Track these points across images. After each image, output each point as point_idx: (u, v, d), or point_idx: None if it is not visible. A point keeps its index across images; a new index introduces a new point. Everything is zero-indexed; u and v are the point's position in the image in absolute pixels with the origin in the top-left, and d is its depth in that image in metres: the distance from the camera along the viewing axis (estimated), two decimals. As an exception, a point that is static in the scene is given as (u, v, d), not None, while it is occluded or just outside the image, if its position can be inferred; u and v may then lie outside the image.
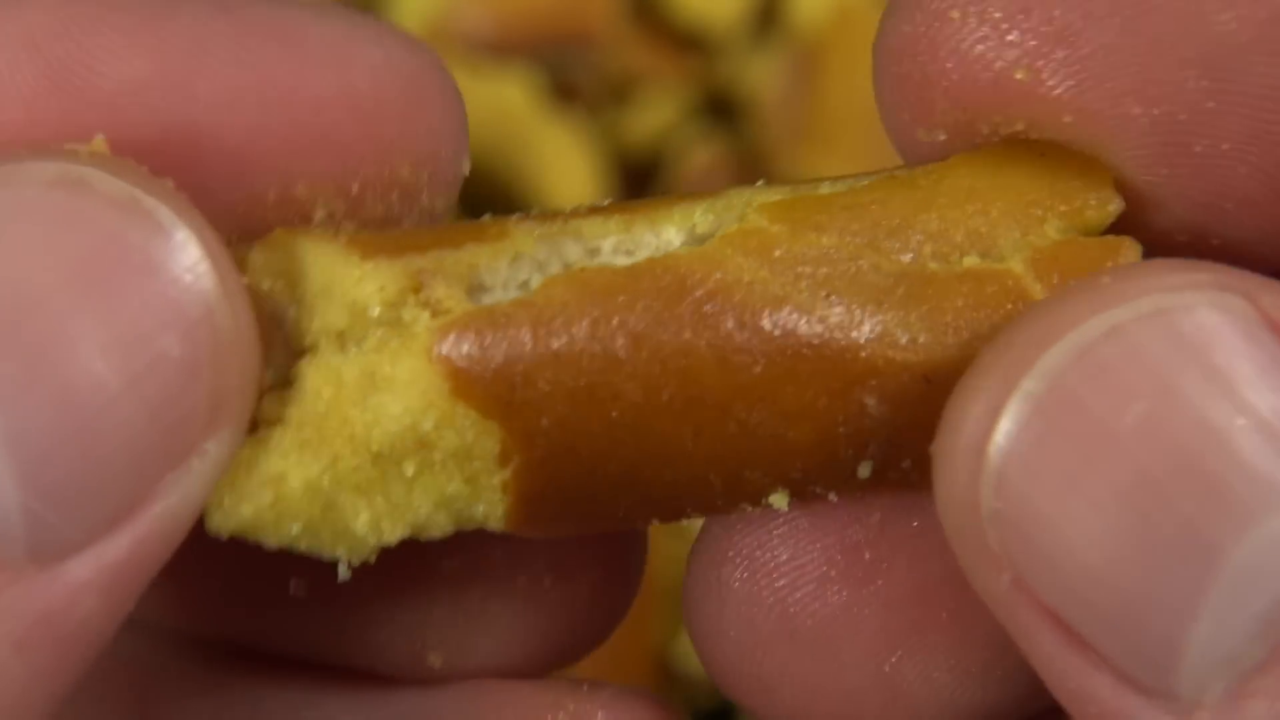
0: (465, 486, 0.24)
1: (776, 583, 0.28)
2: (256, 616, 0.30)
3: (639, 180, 0.78)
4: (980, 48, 0.26)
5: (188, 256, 0.22)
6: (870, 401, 0.24)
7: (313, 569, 0.25)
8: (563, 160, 0.74)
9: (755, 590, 0.28)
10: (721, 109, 0.80)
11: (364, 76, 0.25)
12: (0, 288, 0.22)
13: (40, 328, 0.22)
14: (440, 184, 0.26)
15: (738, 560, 0.28)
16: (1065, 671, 0.23)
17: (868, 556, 0.28)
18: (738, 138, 0.79)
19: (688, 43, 0.80)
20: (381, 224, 0.26)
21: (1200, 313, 0.22)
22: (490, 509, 0.24)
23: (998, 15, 0.25)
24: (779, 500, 0.25)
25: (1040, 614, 0.23)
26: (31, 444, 0.22)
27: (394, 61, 0.26)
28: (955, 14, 0.26)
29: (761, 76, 0.78)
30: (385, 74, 0.25)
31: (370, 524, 0.24)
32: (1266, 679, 0.22)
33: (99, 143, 0.24)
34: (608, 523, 0.26)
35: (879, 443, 0.25)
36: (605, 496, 0.25)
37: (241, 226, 0.25)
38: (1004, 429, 0.22)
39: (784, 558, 0.28)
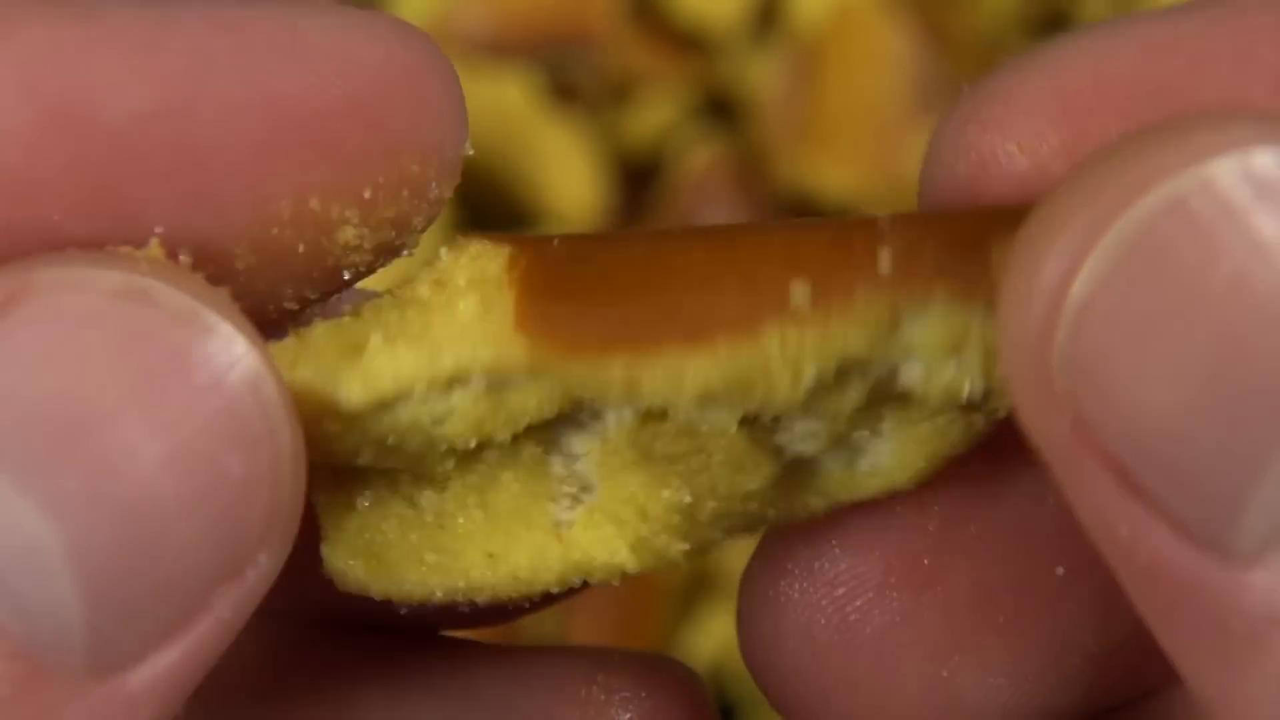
0: (479, 307, 0.25)
1: (836, 591, 0.28)
2: (291, 581, 0.30)
3: (639, 180, 0.78)
4: (1029, 175, 0.27)
5: (250, 373, 0.23)
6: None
7: None
8: (563, 160, 0.74)
9: (814, 600, 0.28)
10: (721, 109, 0.80)
11: (368, 79, 0.25)
12: (64, 400, 0.22)
13: (104, 443, 0.22)
14: (446, 173, 0.26)
15: (796, 572, 0.28)
16: (1118, 518, 0.23)
17: (926, 563, 0.28)
18: (738, 138, 0.79)
19: (688, 43, 0.80)
20: (394, 223, 0.26)
21: None
22: (502, 314, 0.25)
23: (1054, 143, 0.26)
24: (799, 294, 0.25)
25: (1099, 459, 0.22)
26: (95, 559, 0.22)
27: (395, 58, 0.25)
28: (1013, 148, 0.27)
29: (761, 76, 0.78)
30: (388, 73, 0.25)
31: (386, 353, 0.24)
32: None
33: (155, 248, 0.24)
34: (628, 336, 0.25)
35: (890, 224, 0.25)
36: (619, 297, 0.25)
37: (258, 246, 0.25)
38: (1090, 273, 0.22)
39: (843, 566, 0.28)
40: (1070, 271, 0.22)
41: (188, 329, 0.22)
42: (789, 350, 0.25)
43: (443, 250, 0.26)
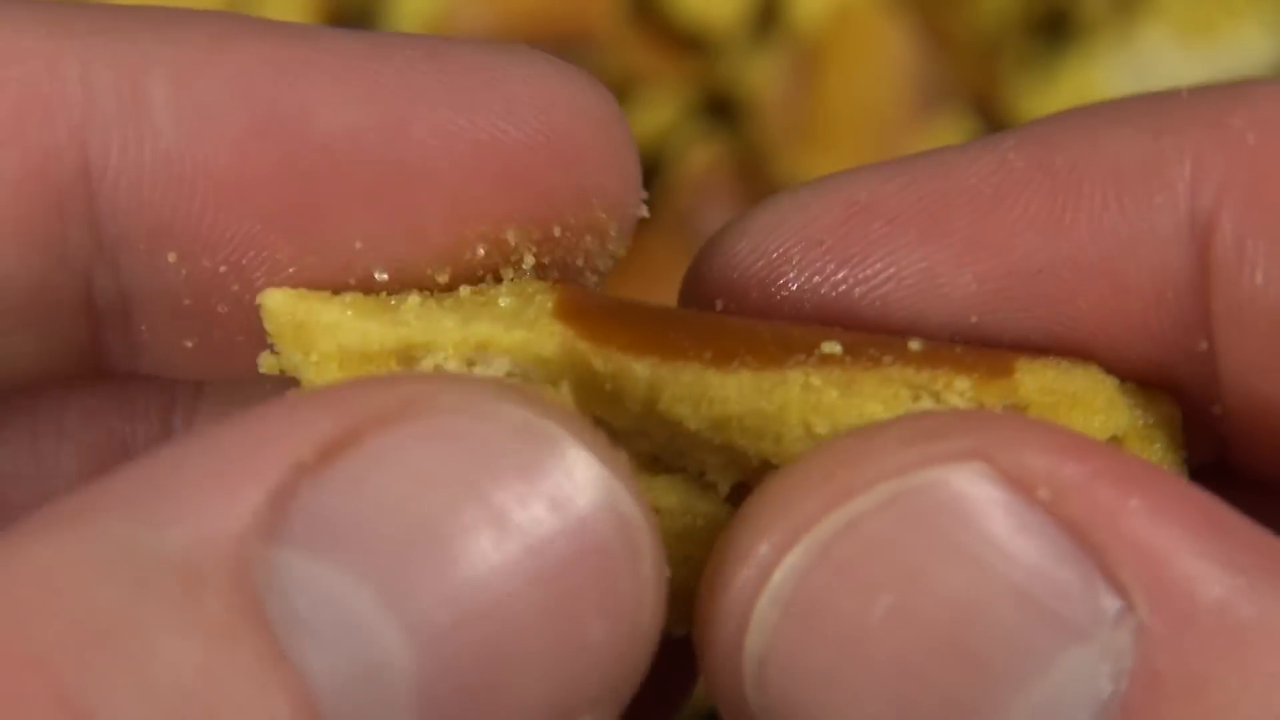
0: (517, 301, 0.25)
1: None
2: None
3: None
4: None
5: (638, 554, 0.22)
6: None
7: None
8: (563, 160, 0.74)
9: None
10: (721, 109, 0.80)
11: (565, 121, 0.25)
12: (449, 529, 0.21)
13: (473, 576, 0.21)
14: (625, 228, 0.27)
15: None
16: None
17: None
18: (738, 138, 0.79)
19: (688, 43, 0.80)
20: (579, 270, 0.27)
21: (937, 491, 0.22)
22: (540, 308, 0.25)
23: None
24: (830, 347, 0.25)
25: None
26: (441, 697, 0.21)
27: (589, 107, 0.26)
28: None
29: (761, 76, 0.78)
30: (583, 119, 0.26)
31: (423, 307, 0.25)
32: None
33: (564, 392, 0.24)
34: (658, 346, 0.25)
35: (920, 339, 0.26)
36: (653, 321, 0.25)
37: (453, 266, 0.25)
38: (755, 633, 0.22)
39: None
40: (740, 629, 0.23)
41: (593, 493, 0.22)
42: (809, 396, 0.25)
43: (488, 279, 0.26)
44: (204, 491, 0.21)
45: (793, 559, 0.22)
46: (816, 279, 0.27)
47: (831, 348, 0.25)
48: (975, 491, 0.22)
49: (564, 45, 0.77)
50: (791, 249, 0.27)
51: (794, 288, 0.27)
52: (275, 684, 0.20)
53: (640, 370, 0.25)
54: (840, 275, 0.27)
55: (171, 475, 0.21)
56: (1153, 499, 0.22)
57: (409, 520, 0.21)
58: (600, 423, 0.25)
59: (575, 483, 0.22)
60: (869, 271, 0.27)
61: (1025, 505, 0.22)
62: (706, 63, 0.80)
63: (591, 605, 0.22)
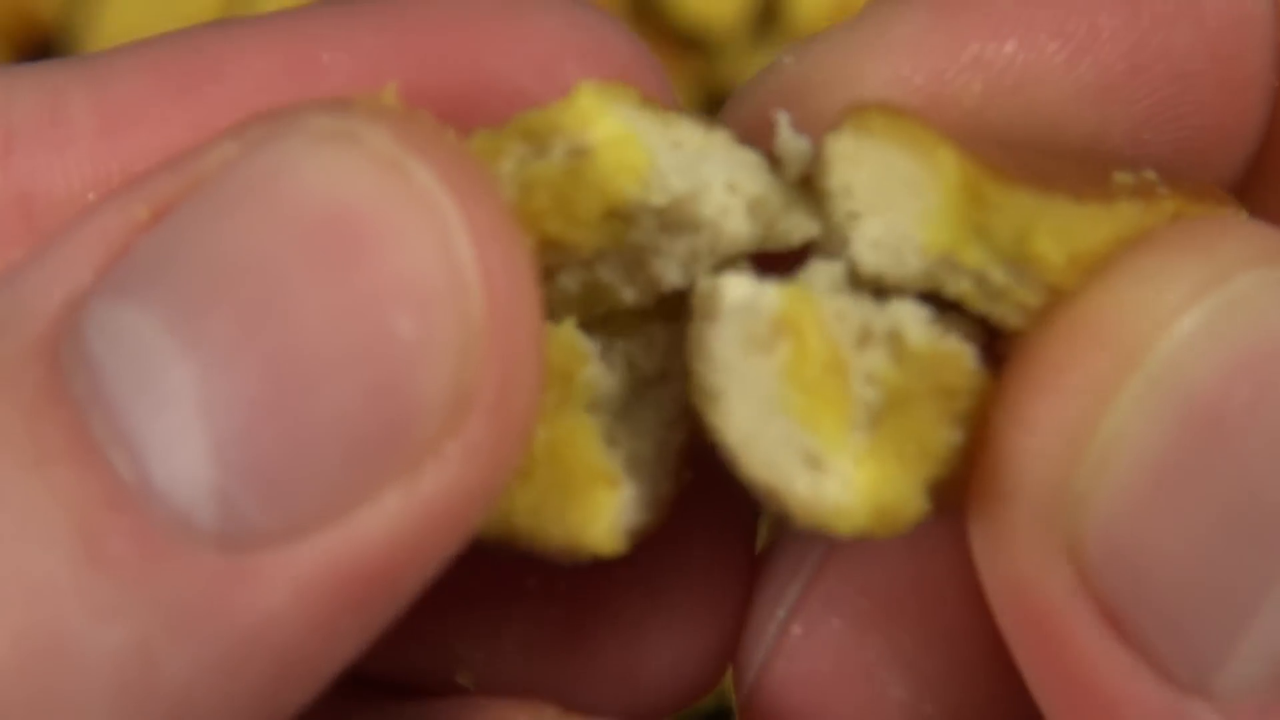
0: None
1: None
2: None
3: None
4: None
5: (441, 230, 0.20)
6: None
7: None
8: (562, 161, 0.74)
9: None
10: (721, 109, 0.80)
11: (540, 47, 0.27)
12: (232, 247, 0.20)
13: (259, 290, 0.19)
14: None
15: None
16: (1105, 671, 0.22)
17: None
18: (738, 138, 0.79)
19: (688, 43, 0.80)
20: None
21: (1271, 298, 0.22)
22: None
23: None
24: (1123, 178, 0.25)
25: (1097, 612, 0.22)
26: (230, 415, 0.19)
27: (567, 35, 0.28)
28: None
29: (761, 76, 0.78)
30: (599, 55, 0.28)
31: None
32: None
33: (389, 92, 0.22)
34: (1032, 179, 0.25)
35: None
36: (1016, 155, 0.25)
37: None
38: (1119, 413, 0.21)
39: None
40: (1094, 413, 0.22)
41: (383, 177, 0.20)
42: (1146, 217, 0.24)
43: None
44: (32, 264, 0.21)
45: (1169, 342, 0.21)
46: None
47: (1124, 178, 0.24)
48: None
49: (564, 46, 0.77)
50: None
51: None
52: (49, 418, 0.19)
53: (1022, 198, 0.24)
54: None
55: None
56: None
57: (196, 250, 0.20)
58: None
59: (370, 165, 0.21)
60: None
61: None
62: (706, 63, 0.80)
63: (388, 296, 0.20)
